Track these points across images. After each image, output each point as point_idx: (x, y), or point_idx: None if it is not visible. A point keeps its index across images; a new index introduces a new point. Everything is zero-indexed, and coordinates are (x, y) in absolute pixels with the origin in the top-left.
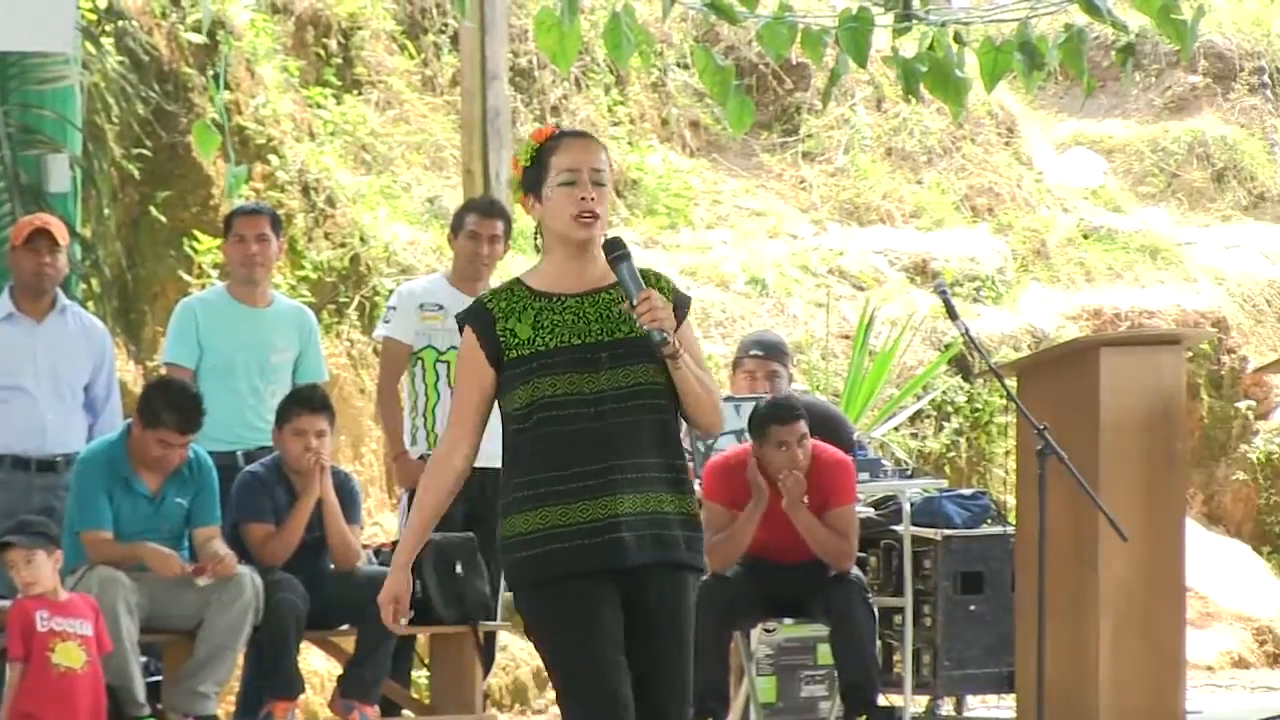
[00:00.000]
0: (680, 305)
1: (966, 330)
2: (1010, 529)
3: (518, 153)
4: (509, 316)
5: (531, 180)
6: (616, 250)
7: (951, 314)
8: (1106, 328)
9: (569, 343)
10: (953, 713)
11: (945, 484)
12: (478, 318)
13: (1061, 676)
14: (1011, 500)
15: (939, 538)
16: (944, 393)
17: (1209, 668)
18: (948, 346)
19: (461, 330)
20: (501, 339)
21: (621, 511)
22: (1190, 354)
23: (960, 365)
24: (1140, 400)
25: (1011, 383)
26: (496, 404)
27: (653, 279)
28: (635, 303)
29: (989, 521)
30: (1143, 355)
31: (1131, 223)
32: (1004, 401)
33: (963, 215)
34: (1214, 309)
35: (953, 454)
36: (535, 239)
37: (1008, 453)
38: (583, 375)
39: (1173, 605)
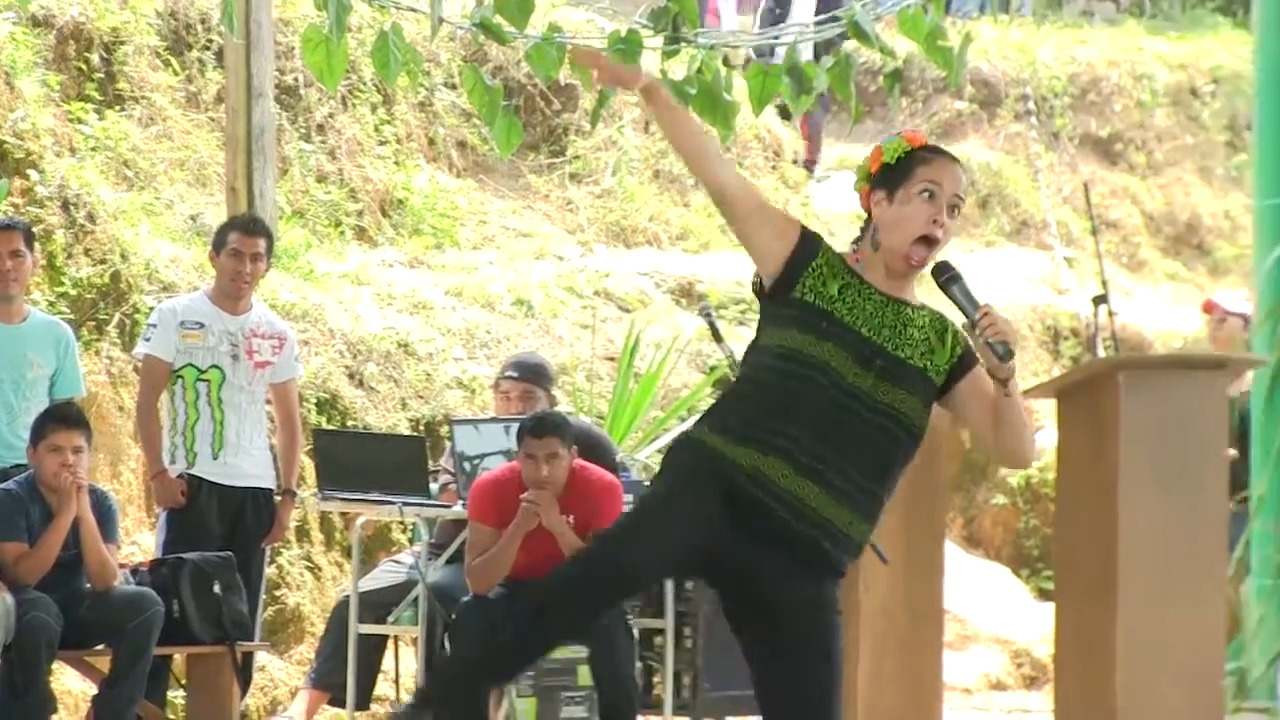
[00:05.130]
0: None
1: (731, 353)
2: None
3: (885, 145)
4: (829, 267)
5: (887, 180)
6: (947, 273)
7: (716, 337)
8: None
9: (858, 329)
10: None
11: None
12: (812, 237)
13: None
14: None
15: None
16: None
17: (966, 690)
18: (713, 369)
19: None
20: (813, 269)
21: (818, 507)
22: None
23: (725, 388)
24: None
25: None
26: (759, 327)
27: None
28: (976, 319)
29: None
30: None
31: None
32: None
33: (729, 238)
34: None
35: None
36: (864, 233)
37: None
38: (855, 366)
39: (931, 628)
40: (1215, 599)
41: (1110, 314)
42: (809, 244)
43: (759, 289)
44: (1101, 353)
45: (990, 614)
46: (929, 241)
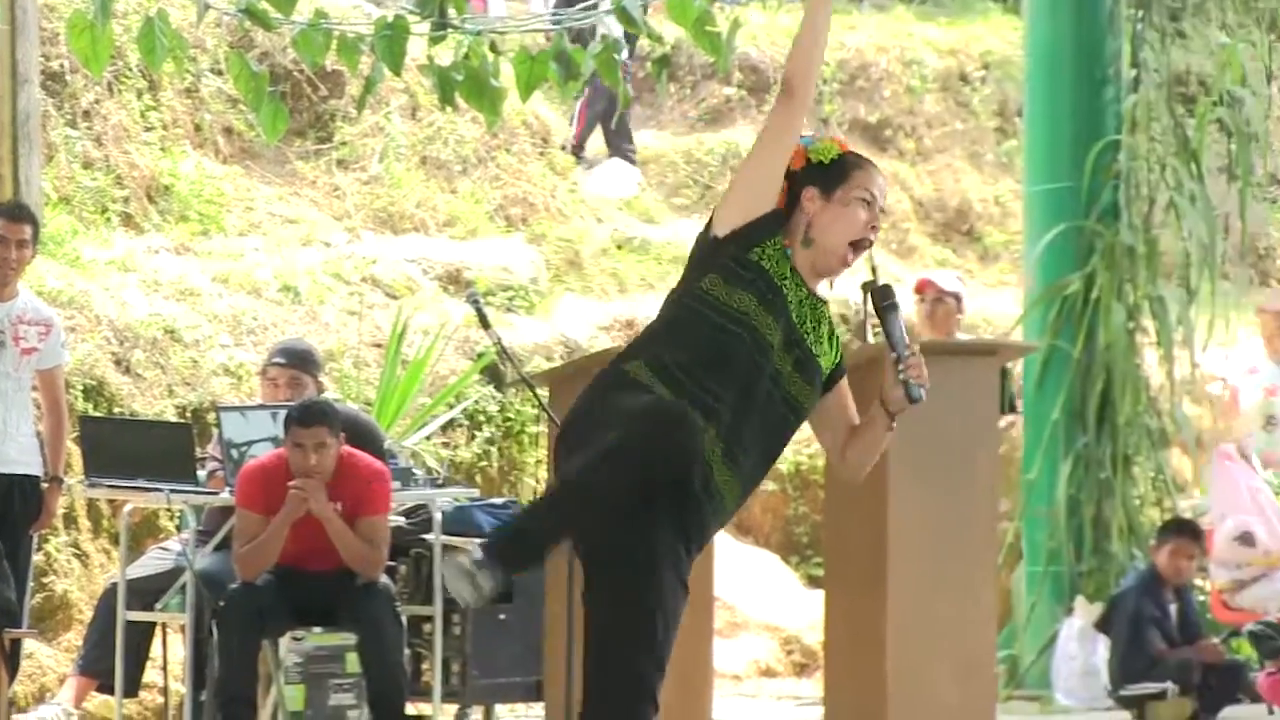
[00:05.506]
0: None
1: (499, 340)
2: None
3: (812, 148)
4: (781, 249)
5: (820, 177)
6: (887, 299)
7: (484, 323)
8: None
9: (791, 312)
10: None
11: (477, 493)
12: (781, 216)
13: None
14: None
15: (470, 547)
16: (476, 402)
17: (736, 677)
18: (480, 356)
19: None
20: (773, 242)
21: (720, 479)
22: None
23: (493, 375)
24: None
25: (544, 393)
26: (702, 267)
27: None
28: (904, 355)
29: None
30: None
31: (664, 233)
32: (536, 411)
33: (497, 225)
34: None
35: (484, 463)
36: (785, 227)
37: (539, 462)
38: (783, 349)
39: (701, 615)
40: (986, 587)
41: (880, 301)
42: (778, 220)
43: (707, 230)
44: (871, 339)
45: (760, 601)
46: (861, 246)
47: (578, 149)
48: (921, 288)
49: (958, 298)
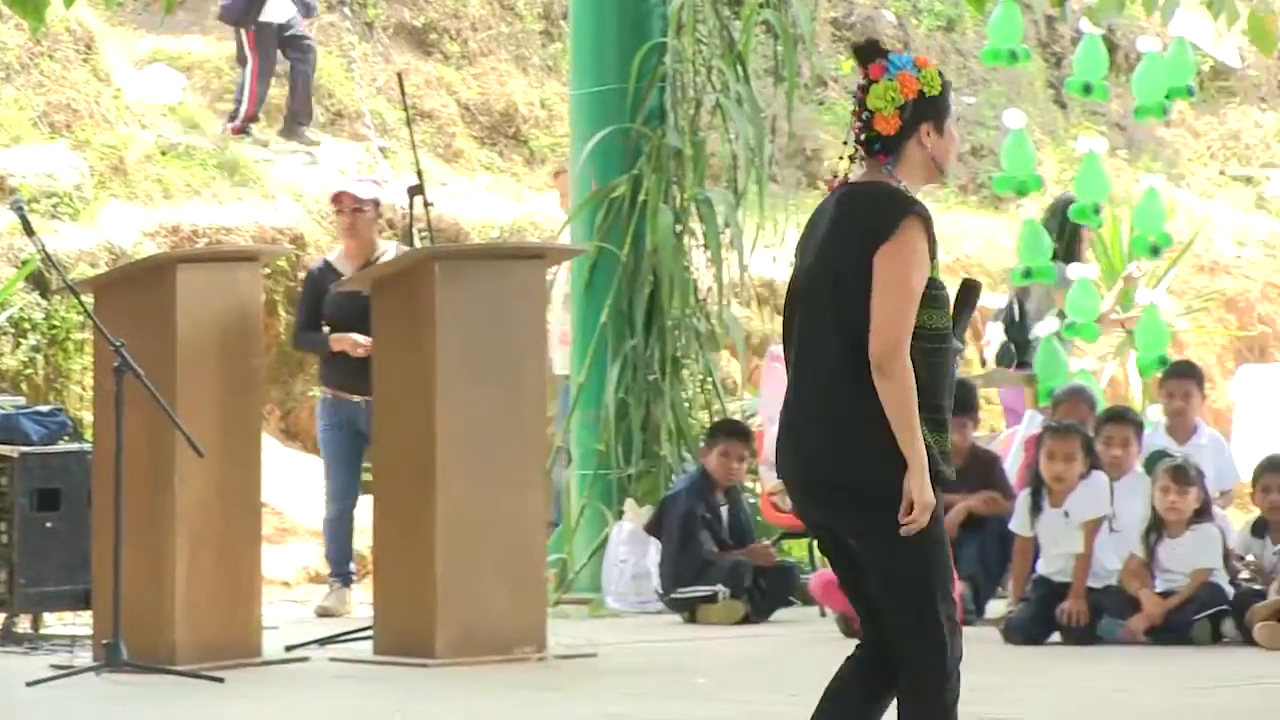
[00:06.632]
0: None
1: (43, 247)
2: (88, 446)
3: (921, 77)
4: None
5: (932, 111)
6: (975, 293)
7: (28, 230)
8: (185, 245)
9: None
10: (30, 630)
11: (23, 401)
12: (928, 219)
13: (138, 593)
14: (90, 417)
15: (15, 455)
16: (21, 309)
17: (286, 583)
18: (25, 263)
19: (900, 219)
20: (932, 246)
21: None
22: (268, 270)
23: (38, 282)
24: (218, 317)
25: (89, 299)
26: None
27: None
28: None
29: (66, 438)
30: (220, 272)
31: (210, 140)
32: (82, 318)
33: (41, 132)
34: (292, 225)
35: (30, 371)
36: (891, 154)
37: (85, 369)
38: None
39: (249, 521)
40: (536, 490)
41: (426, 204)
42: (930, 229)
43: None
44: (418, 243)
45: (309, 507)
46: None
47: (245, 125)
48: (338, 199)
49: (376, 204)
